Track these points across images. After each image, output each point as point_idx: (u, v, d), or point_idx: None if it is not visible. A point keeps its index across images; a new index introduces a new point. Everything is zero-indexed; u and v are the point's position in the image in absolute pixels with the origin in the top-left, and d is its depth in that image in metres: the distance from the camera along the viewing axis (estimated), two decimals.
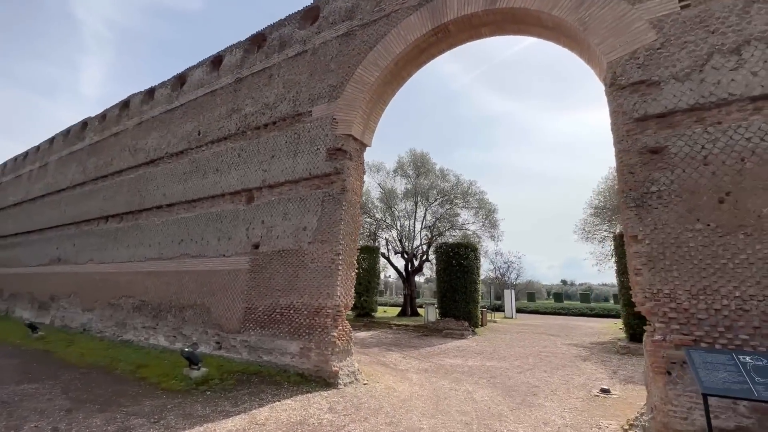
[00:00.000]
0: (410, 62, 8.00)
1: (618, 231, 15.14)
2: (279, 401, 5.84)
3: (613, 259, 14.67)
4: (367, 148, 8.64)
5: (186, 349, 7.07)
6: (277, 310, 7.96)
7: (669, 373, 4.30)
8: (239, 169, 9.79)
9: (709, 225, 4.39)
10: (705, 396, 3.19)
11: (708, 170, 4.51)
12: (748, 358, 3.33)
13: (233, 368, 7.44)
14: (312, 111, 8.69)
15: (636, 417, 4.82)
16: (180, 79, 12.95)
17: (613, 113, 5.34)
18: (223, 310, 9.00)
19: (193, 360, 6.95)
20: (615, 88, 5.31)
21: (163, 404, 5.63)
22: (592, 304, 40.22)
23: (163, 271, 10.95)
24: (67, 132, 18.29)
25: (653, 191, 4.76)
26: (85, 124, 17.27)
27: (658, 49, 5.08)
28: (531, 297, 48.89)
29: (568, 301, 48.49)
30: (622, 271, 12.81)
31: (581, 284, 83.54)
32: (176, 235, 10.94)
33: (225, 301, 9.04)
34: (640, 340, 11.32)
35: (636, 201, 4.85)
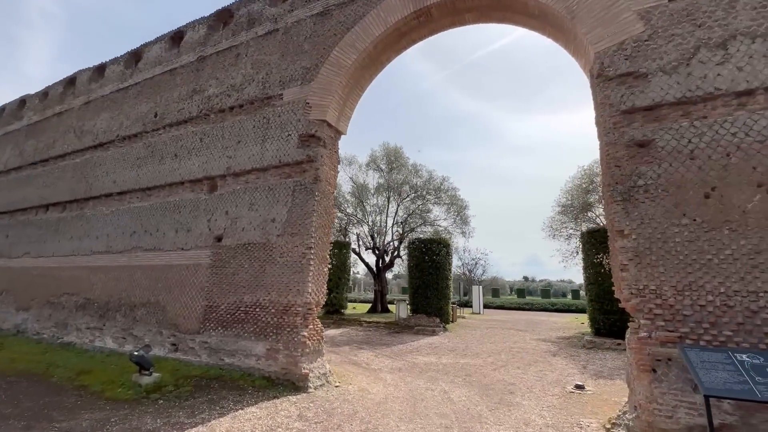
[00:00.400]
0: (390, 46, 7.59)
1: (586, 229, 15.57)
2: (242, 409, 5.29)
3: (580, 256, 15.09)
4: (342, 137, 8.15)
5: (135, 353, 6.30)
6: (242, 309, 7.34)
7: (654, 371, 4.21)
8: (201, 155, 8.98)
9: (695, 220, 4.33)
10: (707, 398, 3.04)
11: (694, 165, 4.45)
12: (744, 357, 3.23)
13: (191, 372, 6.77)
14: (283, 94, 8.07)
15: (618, 415, 4.73)
16: (135, 56, 11.78)
17: (600, 105, 5.22)
18: (181, 308, 8.22)
19: (143, 364, 6.20)
20: (602, 79, 5.18)
21: (106, 417, 4.92)
22: (553, 300, 42.02)
23: (111, 265, 9.91)
24: (1, 110, 16.31)
25: (640, 185, 4.66)
26: (23, 101, 15.43)
27: (645, 40, 4.98)
28: (495, 293, 50.38)
29: (530, 297, 50.32)
30: (588, 267, 13.16)
31: (541, 281, 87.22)
32: (128, 227, 9.92)
33: (183, 298, 8.26)
34: (605, 335, 11.67)
35: (623, 195, 4.73)
